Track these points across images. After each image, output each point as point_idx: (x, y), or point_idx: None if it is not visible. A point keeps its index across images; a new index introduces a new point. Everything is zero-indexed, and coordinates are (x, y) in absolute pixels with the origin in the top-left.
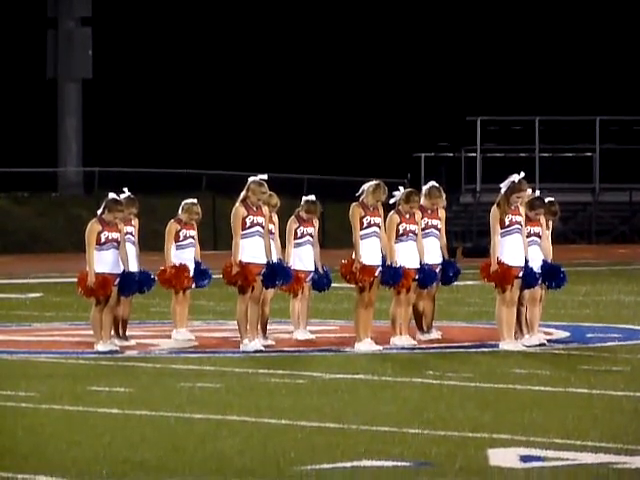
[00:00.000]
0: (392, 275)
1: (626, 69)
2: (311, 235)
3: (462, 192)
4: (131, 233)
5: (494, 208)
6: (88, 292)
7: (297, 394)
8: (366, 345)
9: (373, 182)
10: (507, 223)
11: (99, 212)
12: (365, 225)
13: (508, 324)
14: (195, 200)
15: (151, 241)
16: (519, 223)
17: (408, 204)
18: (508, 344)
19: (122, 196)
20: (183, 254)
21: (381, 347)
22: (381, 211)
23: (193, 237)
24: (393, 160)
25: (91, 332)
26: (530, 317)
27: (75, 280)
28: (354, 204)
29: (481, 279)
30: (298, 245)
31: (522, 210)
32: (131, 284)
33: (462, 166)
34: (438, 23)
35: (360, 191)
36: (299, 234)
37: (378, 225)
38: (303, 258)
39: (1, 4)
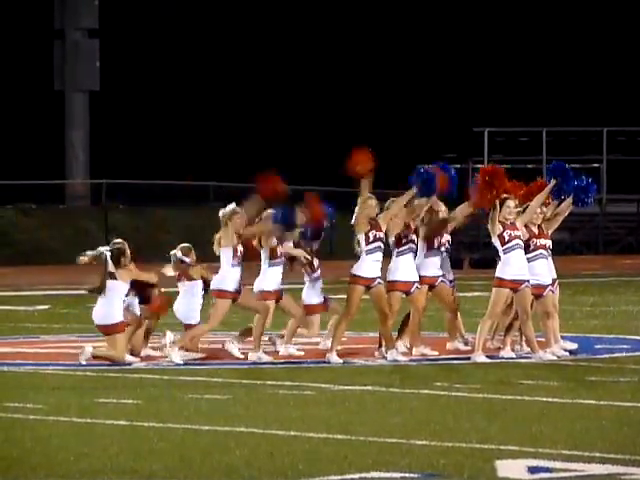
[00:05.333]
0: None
1: (633, 80)
2: None
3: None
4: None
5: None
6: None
7: (305, 405)
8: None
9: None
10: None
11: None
12: (371, 239)
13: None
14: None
15: (158, 252)
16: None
17: None
18: (545, 355)
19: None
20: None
21: (341, 360)
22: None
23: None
24: (400, 171)
25: (98, 344)
26: (545, 329)
27: (82, 292)
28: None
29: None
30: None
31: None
32: None
33: (469, 177)
34: (445, 34)
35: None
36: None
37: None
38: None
39: (8, 16)
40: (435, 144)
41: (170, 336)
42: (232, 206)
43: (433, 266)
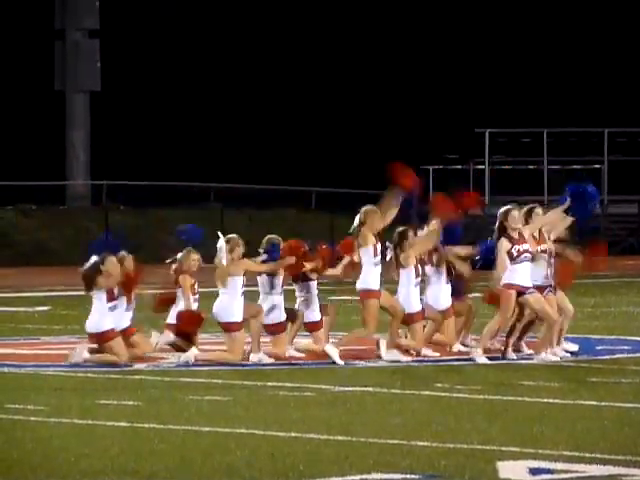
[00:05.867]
0: None
1: (634, 81)
2: None
3: None
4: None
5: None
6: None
7: (305, 407)
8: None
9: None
10: None
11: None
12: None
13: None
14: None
15: (159, 253)
16: None
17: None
18: (546, 356)
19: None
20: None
21: (343, 362)
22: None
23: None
24: None
25: (92, 345)
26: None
27: (82, 293)
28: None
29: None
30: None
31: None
32: None
33: (470, 178)
34: (446, 35)
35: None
36: None
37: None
38: None
39: (8, 16)
40: (436, 145)
41: (171, 336)
42: (229, 236)
43: (446, 294)
